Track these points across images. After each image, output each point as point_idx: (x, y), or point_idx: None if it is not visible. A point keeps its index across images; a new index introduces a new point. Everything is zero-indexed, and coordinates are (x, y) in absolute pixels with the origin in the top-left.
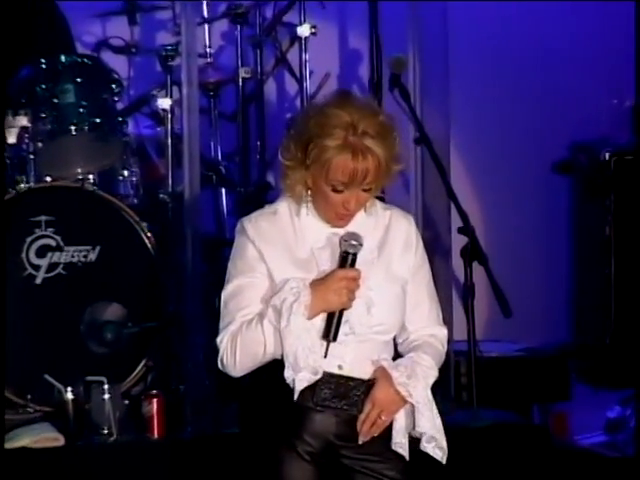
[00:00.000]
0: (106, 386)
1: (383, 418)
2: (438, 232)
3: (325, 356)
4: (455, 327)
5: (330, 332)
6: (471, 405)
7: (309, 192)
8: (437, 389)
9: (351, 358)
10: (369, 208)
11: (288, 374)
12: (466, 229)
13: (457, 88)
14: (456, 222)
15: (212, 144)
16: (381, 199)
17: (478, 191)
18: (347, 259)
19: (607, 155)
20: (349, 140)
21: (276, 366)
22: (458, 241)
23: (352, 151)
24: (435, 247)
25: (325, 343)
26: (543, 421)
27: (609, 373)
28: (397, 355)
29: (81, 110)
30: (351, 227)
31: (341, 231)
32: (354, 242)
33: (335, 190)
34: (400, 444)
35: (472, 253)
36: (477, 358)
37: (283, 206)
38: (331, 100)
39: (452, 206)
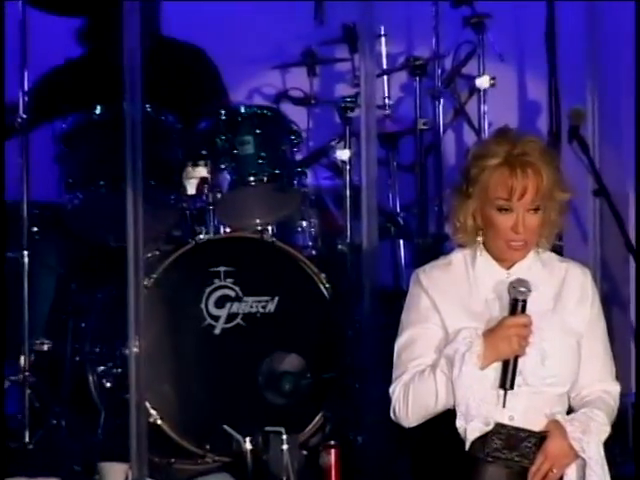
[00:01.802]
0: (284, 436)
1: (555, 471)
2: (616, 284)
3: (504, 405)
4: (633, 379)
5: (507, 380)
6: None
7: (480, 233)
8: (616, 441)
9: (523, 409)
10: (545, 259)
11: (460, 424)
12: None
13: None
14: (635, 274)
15: (390, 195)
16: (558, 252)
17: None
18: (517, 306)
19: None
20: (508, 158)
21: (448, 417)
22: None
23: (510, 167)
24: (613, 299)
25: (503, 392)
26: None
27: None
28: (570, 410)
29: (260, 161)
30: (527, 277)
31: (514, 277)
32: (522, 289)
33: (500, 209)
34: None
35: None
36: None
37: (458, 257)
38: (491, 133)
39: (631, 258)
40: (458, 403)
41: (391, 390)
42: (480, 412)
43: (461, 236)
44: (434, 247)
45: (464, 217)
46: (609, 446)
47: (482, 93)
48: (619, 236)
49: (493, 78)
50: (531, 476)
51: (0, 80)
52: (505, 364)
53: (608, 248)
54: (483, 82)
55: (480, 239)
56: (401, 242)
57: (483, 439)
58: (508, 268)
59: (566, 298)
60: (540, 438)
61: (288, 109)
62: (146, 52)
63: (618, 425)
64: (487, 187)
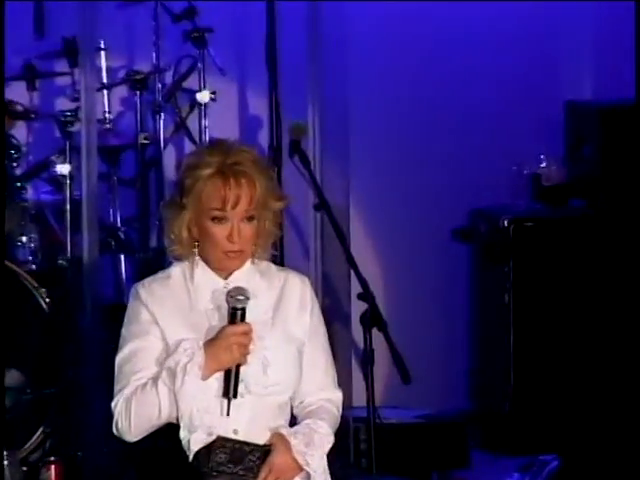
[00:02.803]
0: (5, 453)
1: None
2: (338, 298)
3: (228, 414)
4: (355, 393)
5: (229, 389)
6: (370, 472)
7: (196, 245)
8: (336, 456)
9: (247, 422)
10: (263, 269)
11: (183, 434)
12: (366, 295)
13: (357, 154)
14: (356, 288)
15: (111, 210)
16: (274, 262)
17: (378, 257)
18: (236, 315)
19: (506, 222)
20: (220, 168)
21: (172, 431)
22: (358, 307)
23: (223, 176)
24: (335, 313)
25: (226, 401)
26: None
27: (508, 440)
28: (293, 419)
29: None
30: (245, 287)
31: (232, 286)
32: (241, 297)
33: (215, 219)
34: None
35: (372, 319)
36: (376, 424)
37: (176, 270)
38: (204, 144)
39: (352, 272)
40: (181, 414)
41: (113, 404)
42: (203, 422)
43: (177, 248)
44: (156, 261)
45: (179, 229)
46: (331, 460)
47: (203, 107)
48: (340, 251)
49: (214, 92)
50: None
51: (0, 80)
52: (227, 373)
53: (329, 263)
54: (204, 96)
55: (196, 250)
56: (122, 256)
57: (208, 453)
58: (226, 278)
59: (286, 307)
60: (264, 452)
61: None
62: None
63: (339, 440)
64: (201, 197)
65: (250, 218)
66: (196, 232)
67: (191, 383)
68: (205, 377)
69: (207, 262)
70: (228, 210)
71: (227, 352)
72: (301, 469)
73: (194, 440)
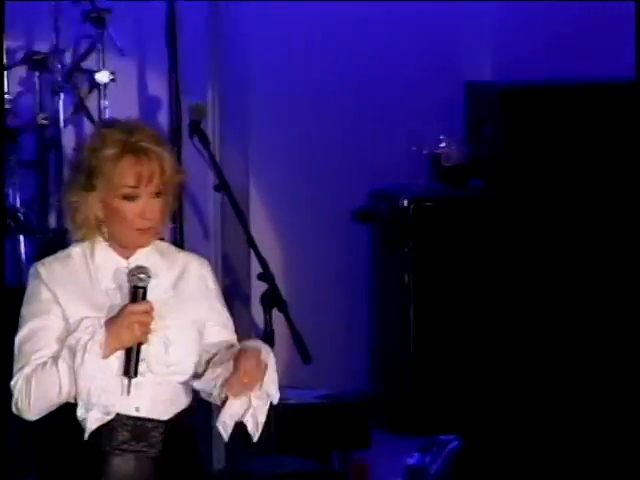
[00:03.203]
0: None
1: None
2: (238, 279)
3: (128, 393)
4: None
5: (130, 368)
6: (271, 452)
7: (102, 225)
8: (237, 437)
9: (149, 399)
10: (164, 249)
11: (80, 413)
12: (266, 276)
13: (257, 135)
14: (256, 269)
15: (11, 191)
16: (176, 244)
17: (279, 238)
18: (137, 293)
19: (405, 202)
20: (127, 146)
21: (71, 409)
22: (258, 288)
23: (134, 153)
24: (235, 294)
25: (127, 381)
26: (343, 469)
27: (408, 420)
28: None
29: None
30: (145, 265)
31: (133, 265)
32: (142, 275)
33: (126, 198)
34: (224, 424)
35: (272, 300)
36: (277, 405)
37: (76, 250)
38: (98, 126)
39: (252, 253)
40: (80, 392)
41: (12, 383)
42: (100, 401)
43: (83, 232)
44: (56, 242)
45: (87, 211)
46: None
47: (102, 88)
48: (240, 231)
49: (113, 73)
50: (230, 385)
51: (0, 82)
52: (128, 352)
53: (229, 244)
54: (103, 77)
55: (105, 233)
56: (22, 238)
57: (109, 432)
58: (127, 258)
59: (186, 287)
60: (167, 427)
61: None
62: None
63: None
64: (112, 177)
65: (158, 194)
66: (102, 213)
67: (91, 361)
68: (106, 355)
69: (113, 241)
70: (141, 187)
71: (128, 330)
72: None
73: (91, 418)
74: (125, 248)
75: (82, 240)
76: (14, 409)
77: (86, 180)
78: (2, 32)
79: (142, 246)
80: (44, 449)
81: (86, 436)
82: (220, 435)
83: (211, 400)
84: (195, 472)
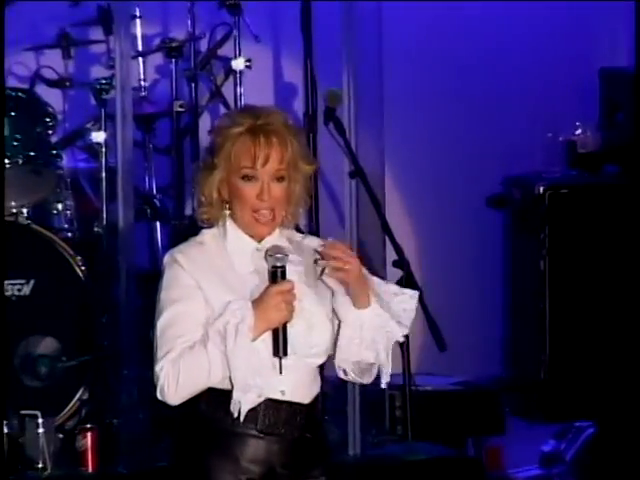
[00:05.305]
0: (40, 420)
1: (346, 267)
2: (373, 266)
3: (280, 372)
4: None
5: (279, 348)
6: (406, 438)
7: (227, 206)
8: (371, 423)
9: (292, 384)
10: (288, 234)
11: (237, 395)
12: (401, 263)
13: (392, 122)
14: (391, 256)
15: (147, 177)
16: (298, 230)
17: (413, 225)
18: (277, 273)
19: (541, 189)
20: (251, 127)
21: (214, 394)
22: (393, 275)
23: (253, 134)
24: None
25: (278, 360)
26: (477, 455)
27: (543, 407)
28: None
29: (15, 144)
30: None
31: (269, 245)
32: (279, 255)
33: (245, 177)
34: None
35: (407, 287)
36: (412, 391)
37: (208, 237)
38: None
39: (387, 240)
40: (234, 376)
41: (158, 368)
42: (257, 383)
43: (207, 210)
44: (190, 229)
45: (210, 189)
46: (366, 428)
47: (238, 75)
48: (375, 218)
49: (249, 60)
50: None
51: (0, 78)
52: (275, 332)
53: (364, 230)
54: (239, 64)
55: (227, 212)
56: (158, 224)
57: (255, 415)
58: (258, 242)
59: (313, 269)
60: (308, 410)
61: (43, 91)
62: None
63: (375, 407)
64: (231, 155)
65: (280, 178)
66: (226, 192)
67: (243, 344)
68: (255, 337)
69: (238, 226)
70: (258, 168)
71: (276, 310)
72: (368, 295)
73: (246, 401)
74: (248, 231)
75: (207, 220)
76: (159, 395)
77: (211, 158)
78: (2, 32)
79: (261, 233)
80: (181, 434)
81: (242, 418)
82: (355, 421)
83: (347, 378)
84: (328, 456)
